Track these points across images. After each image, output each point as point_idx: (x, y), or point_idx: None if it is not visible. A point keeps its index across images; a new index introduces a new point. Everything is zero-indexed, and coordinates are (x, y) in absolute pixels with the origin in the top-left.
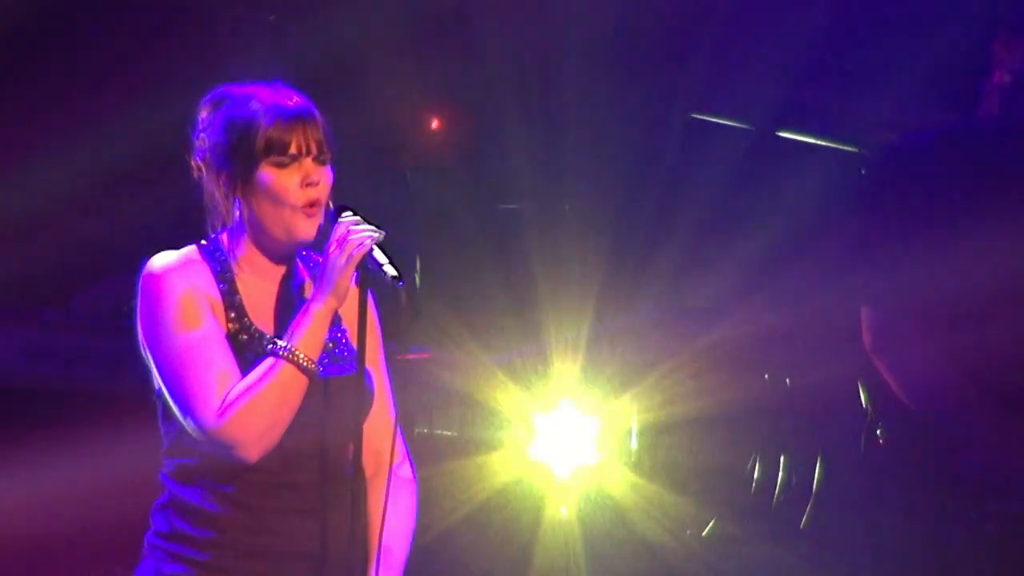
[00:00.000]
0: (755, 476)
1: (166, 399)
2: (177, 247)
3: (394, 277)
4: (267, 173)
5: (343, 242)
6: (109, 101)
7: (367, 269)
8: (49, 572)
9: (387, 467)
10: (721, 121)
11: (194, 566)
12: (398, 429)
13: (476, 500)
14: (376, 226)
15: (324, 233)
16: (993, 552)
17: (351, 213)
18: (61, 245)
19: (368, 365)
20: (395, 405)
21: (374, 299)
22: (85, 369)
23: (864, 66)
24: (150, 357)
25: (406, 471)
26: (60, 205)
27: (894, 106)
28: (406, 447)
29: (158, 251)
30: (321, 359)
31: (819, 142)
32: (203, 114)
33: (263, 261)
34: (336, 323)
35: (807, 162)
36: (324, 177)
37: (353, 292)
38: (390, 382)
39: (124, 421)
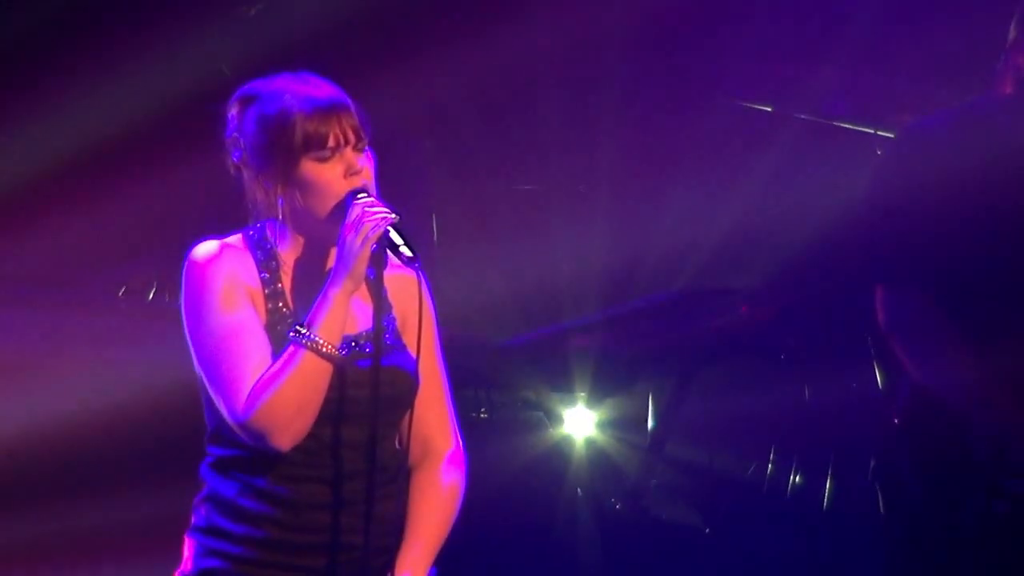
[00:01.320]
0: (771, 458)
1: (207, 389)
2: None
3: (410, 258)
4: (309, 169)
5: (358, 225)
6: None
7: (382, 251)
8: None
9: (435, 454)
10: (761, 107)
11: (230, 561)
12: (452, 417)
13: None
14: (391, 208)
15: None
16: (1004, 532)
17: (366, 195)
18: None
19: (416, 351)
20: (450, 391)
21: (428, 285)
22: None
23: (879, 46)
24: (190, 344)
25: (456, 461)
26: None
27: (909, 87)
28: (459, 435)
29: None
30: (363, 348)
31: (838, 124)
32: (233, 112)
33: (309, 250)
34: (387, 311)
35: (825, 144)
36: (366, 163)
37: (405, 279)
38: (445, 368)
39: None
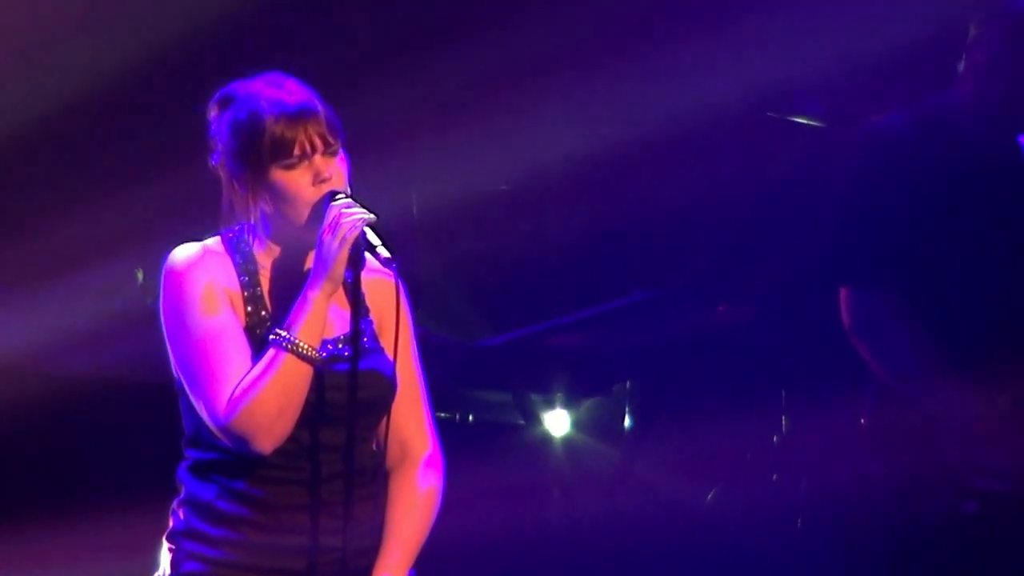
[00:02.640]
0: (746, 457)
1: (187, 392)
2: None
3: (388, 259)
4: (277, 176)
5: (335, 226)
6: None
7: (360, 252)
8: None
9: (413, 456)
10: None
11: (209, 564)
12: (429, 420)
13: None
14: (368, 208)
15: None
16: (973, 531)
17: (343, 196)
18: None
19: (392, 354)
20: (427, 394)
21: (405, 289)
22: None
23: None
24: (169, 348)
25: (434, 463)
26: None
27: (866, 83)
28: (437, 437)
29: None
30: (341, 351)
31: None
32: (212, 115)
33: (286, 253)
34: (364, 314)
35: (793, 143)
36: (336, 168)
37: (382, 282)
38: (423, 371)
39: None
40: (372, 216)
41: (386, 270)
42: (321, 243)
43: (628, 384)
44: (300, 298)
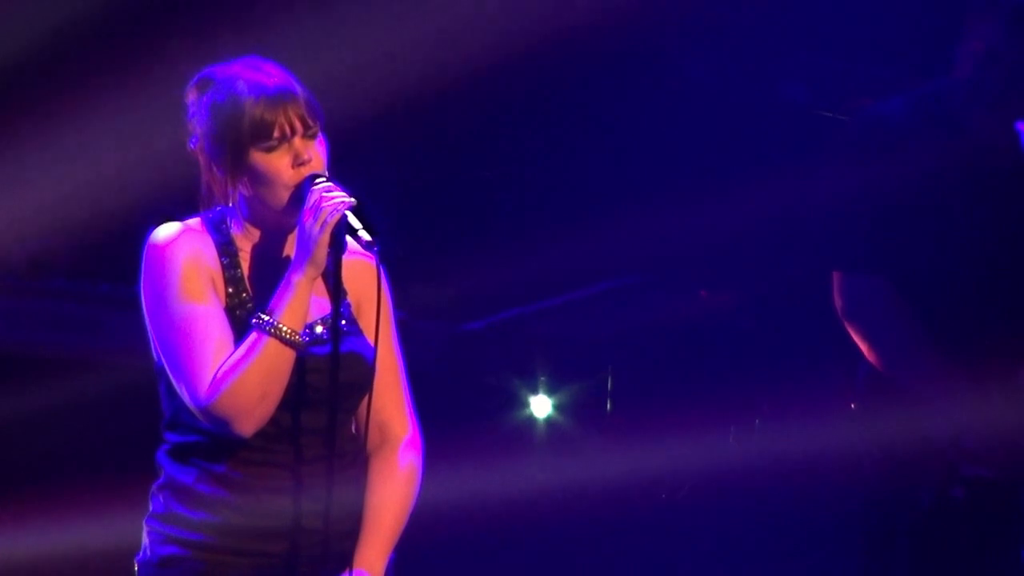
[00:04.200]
0: (731, 441)
1: (167, 374)
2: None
3: (369, 242)
4: (257, 158)
5: (316, 210)
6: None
7: (341, 236)
8: None
9: (393, 439)
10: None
11: (189, 547)
12: (409, 402)
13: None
14: (349, 192)
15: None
16: (961, 517)
17: (324, 180)
18: None
19: (372, 336)
20: (406, 377)
21: (385, 271)
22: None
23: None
24: (150, 329)
25: (414, 445)
26: None
27: (865, 69)
28: (416, 420)
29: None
30: (321, 334)
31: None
32: (191, 98)
33: (265, 236)
34: (342, 297)
35: (788, 127)
36: (315, 151)
37: (361, 264)
38: (402, 354)
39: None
40: (353, 200)
41: (363, 251)
42: (302, 227)
43: (610, 368)
44: (283, 282)
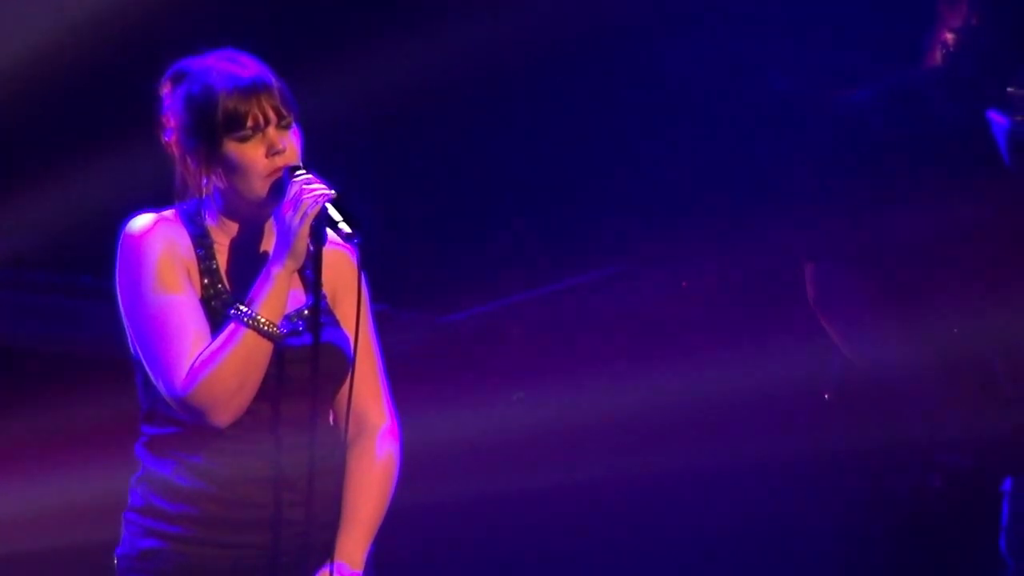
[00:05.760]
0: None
1: (144, 365)
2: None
3: (349, 234)
4: (231, 148)
5: (296, 202)
6: None
7: (321, 228)
8: None
9: (370, 429)
10: None
11: (168, 540)
12: (386, 392)
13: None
14: (329, 183)
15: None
16: (938, 505)
17: (304, 172)
18: None
19: (350, 328)
20: (384, 367)
21: (359, 261)
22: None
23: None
24: (125, 320)
25: (392, 434)
26: None
27: (835, 56)
28: (393, 409)
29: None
30: (297, 325)
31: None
32: (165, 90)
33: (240, 228)
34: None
35: (760, 115)
36: (290, 141)
37: (336, 254)
38: (379, 344)
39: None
40: (333, 192)
41: (338, 241)
42: (282, 219)
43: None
44: (263, 273)
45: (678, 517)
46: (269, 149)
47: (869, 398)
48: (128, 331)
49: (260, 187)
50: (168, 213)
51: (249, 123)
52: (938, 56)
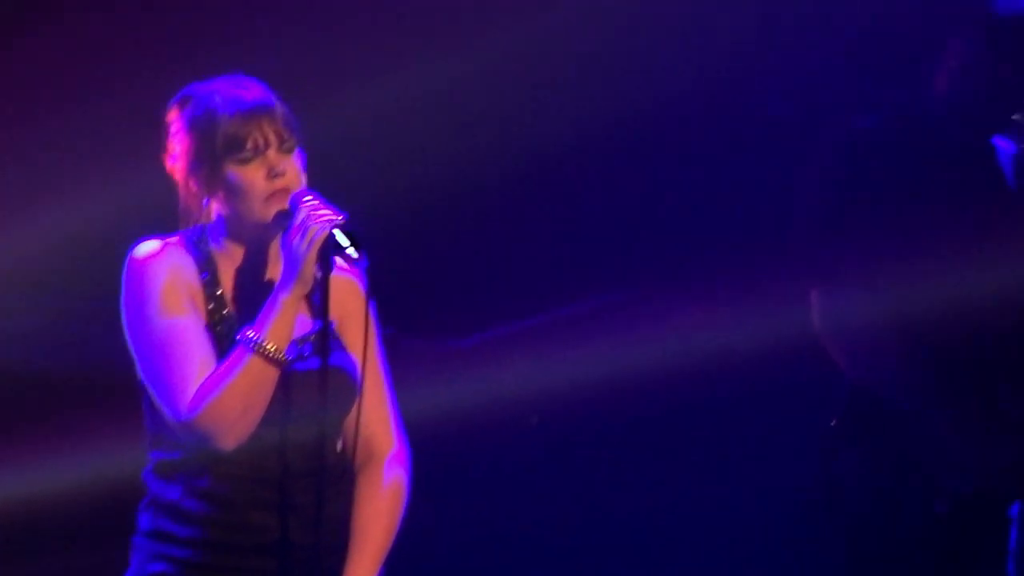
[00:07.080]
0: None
1: (149, 389)
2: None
3: (356, 260)
4: (232, 171)
5: (304, 228)
6: None
7: (329, 254)
8: None
9: (379, 454)
10: None
11: (176, 564)
12: (395, 417)
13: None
14: (337, 208)
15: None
16: (945, 532)
17: (311, 197)
18: None
19: (357, 353)
20: (392, 393)
21: (367, 287)
22: None
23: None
24: (131, 345)
25: (400, 460)
26: None
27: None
28: (403, 435)
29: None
30: (303, 350)
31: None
32: (172, 116)
33: (244, 252)
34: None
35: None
36: (291, 164)
37: (343, 280)
38: (387, 369)
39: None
40: (341, 217)
41: (346, 266)
42: (290, 245)
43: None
44: (270, 300)
45: (682, 540)
46: (269, 172)
47: (876, 424)
48: (133, 356)
49: (261, 210)
50: (173, 239)
51: (249, 145)
52: (944, 84)
